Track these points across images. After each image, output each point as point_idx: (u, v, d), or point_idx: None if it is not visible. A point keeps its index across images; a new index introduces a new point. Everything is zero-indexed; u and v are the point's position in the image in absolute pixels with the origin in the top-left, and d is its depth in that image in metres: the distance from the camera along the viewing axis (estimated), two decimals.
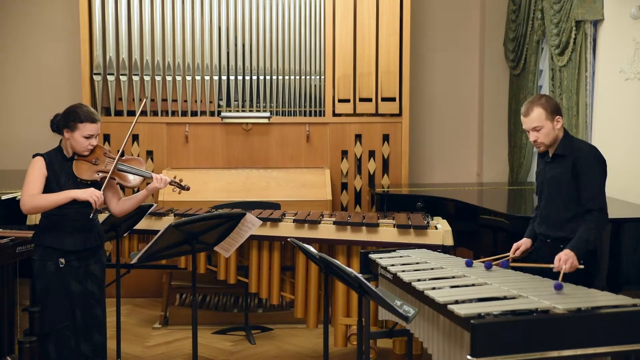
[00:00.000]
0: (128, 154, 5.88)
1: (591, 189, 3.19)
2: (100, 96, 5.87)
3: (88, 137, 3.30)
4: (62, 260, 3.29)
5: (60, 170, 3.32)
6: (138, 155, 5.90)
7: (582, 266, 3.08)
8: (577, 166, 3.22)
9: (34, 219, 4.43)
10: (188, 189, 3.58)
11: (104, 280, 3.50)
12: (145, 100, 3.81)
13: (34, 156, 3.34)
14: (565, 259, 3.05)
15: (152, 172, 5.79)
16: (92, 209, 3.28)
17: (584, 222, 3.19)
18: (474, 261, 3.27)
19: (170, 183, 3.52)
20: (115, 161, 3.36)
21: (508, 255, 3.37)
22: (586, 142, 3.48)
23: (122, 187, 3.52)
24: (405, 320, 2.46)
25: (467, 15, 6.72)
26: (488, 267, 3.15)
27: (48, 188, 3.29)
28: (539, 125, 3.25)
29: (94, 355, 3.43)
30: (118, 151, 3.42)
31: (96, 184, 3.36)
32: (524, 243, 3.41)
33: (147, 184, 3.51)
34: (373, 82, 5.96)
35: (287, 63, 5.95)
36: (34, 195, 3.23)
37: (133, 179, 3.44)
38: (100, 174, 3.36)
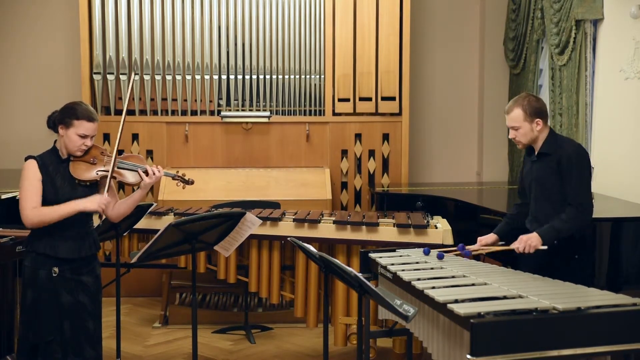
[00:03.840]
0: (127, 153, 5.88)
1: (573, 185, 3.25)
2: (100, 95, 5.87)
3: (83, 137, 3.15)
4: (56, 269, 3.14)
5: (55, 172, 3.17)
6: (138, 154, 5.90)
7: (544, 247, 3.20)
8: (561, 164, 3.27)
9: None
10: (192, 182, 3.51)
11: (98, 293, 3.32)
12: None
13: (26, 159, 3.19)
14: (523, 240, 3.23)
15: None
16: (91, 218, 3.22)
17: (562, 215, 3.25)
18: (430, 250, 3.41)
19: (174, 178, 3.45)
20: (114, 158, 3.24)
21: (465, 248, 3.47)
22: (571, 140, 3.52)
23: (122, 186, 3.46)
24: (405, 319, 2.46)
25: (467, 15, 6.72)
26: (440, 257, 3.30)
27: (43, 191, 3.14)
28: (516, 125, 3.34)
29: None
30: (115, 149, 3.32)
31: (95, 184, 3.25)
32: (489, 238, 3.49)
33: None
34: (373, 82, 5.96)
35: (287, 62, 5.95)
36: (36, 208, 3.10)
37: (134, 176, 3.34)
38: (100, 173, 3.23)
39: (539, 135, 3.34)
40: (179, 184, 3.51)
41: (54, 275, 3.15)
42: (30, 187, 3.12)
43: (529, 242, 3.23)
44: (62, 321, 3.18)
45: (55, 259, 3.16)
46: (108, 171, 3.23)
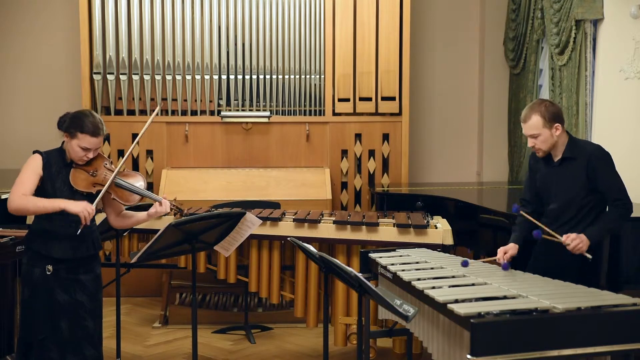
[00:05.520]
0: (128, 171, 5.87)
1: (612, 183, 3.26)
2: (100, 95, 5.87)
3: (85, 150, 3.16)
4: (50, 267, 3.15)
5: (57, 173, 3.19)
6: (138, 155, 5.90)
7: (589, 256, 3.11)
8: (591, 166, 3.25)
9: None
10: (188, 215, 3.44)
11: (98, 292, 3.32)
12: (150, 101, 3.50)
13: (33, 152, 3.21)
14: (578, 240, 3.11)
15: (153, 172, 5.85)
16: (79, 223, 3.10)
17: (608, 213, 3.24)
18: (469, 261, 3.23)
19: (170, 208, 3.37)
20: (113, 175, 3.22)
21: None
22: (588, 141, 3.54)
23: None
24: (405, 319, 2.46)
25: (467, 15, 6.72)
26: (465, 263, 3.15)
27: (42, 189, 3.16)
28: (536, 133, 3.28)
29: None
30: (119, 164, 3.28)
31: (91, 196, 3.23)
32: (512, 248, 3.36)
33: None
34: (373, 82, 5.96)
35: (287, 62, 5.95)
36: (23, 195, 3.08)
37: (130, 197, 3.31)
38: (97, 187, 3.23)
39: (558, 140, 3.30)
40: (171, 213, 3.43)
41: (47, 273, 3.15)
42: (27, 176, 3.13)
43: (579, 245, 3.12)
44: (59, 320, 3.18)
45: (48, 258, 3.16)
46: (104, 187, 3.21)
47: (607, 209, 3.32)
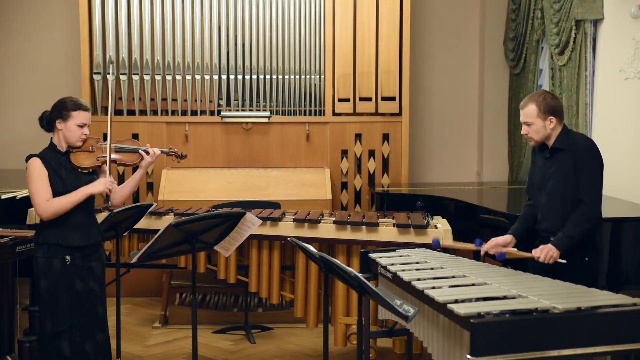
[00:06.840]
0: (120, 139, 5.89)
1: (586, 183, 3.25)
2: (100, 95, 5.87)
3: (81, 126, 3.35)
4: (68, 257, 3.32)
5: (57, 165, 3.34)
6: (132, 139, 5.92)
7: (563, 261, 3.17)
8: (577, 158, 3.26)
9: (34, 218, 4.43)
10: (185, 156, 3.86)
11: (104, 278, 3.53)
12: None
13: (27, 159, 3.33)
14: (546, 250, 3.21)
15: (153, 172, 5.85)
16: (107, 197, 3.39)
17: (572, 218, 3.25)
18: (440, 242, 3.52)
19: (168, 154, 3.77)
20: (109, 140, 3.44)
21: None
22: (582, 135, 3.55)
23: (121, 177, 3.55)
24: (405, 319, 2.46)
25: (467, 15, 6.73)
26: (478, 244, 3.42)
27: (51, 185, 3.29)
28: (529, 121, 3.34)
29: (97, 354, 3.46)
30: (109, 132, 3.50)
31: (96, 172, 3.46)
32: (505, 238, 3.45)
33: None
34: (373, 82, 5.96)
35: (287, 62, 5.95)
36: (49, 201, 3.26)
37: (132, 157, 3.61)
38: (101, 159, 3.44)
39: (552, 133, 3.33)
40: (173, 159, 3.81)
41: (67, 263, 3.31)
42: (39, 182, 3.28)
43: (550, 252, 3.20)
44: (80, 307, 3.36)
45: (67, 248, 3.32)
46: (107, 156, 3.46)
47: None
